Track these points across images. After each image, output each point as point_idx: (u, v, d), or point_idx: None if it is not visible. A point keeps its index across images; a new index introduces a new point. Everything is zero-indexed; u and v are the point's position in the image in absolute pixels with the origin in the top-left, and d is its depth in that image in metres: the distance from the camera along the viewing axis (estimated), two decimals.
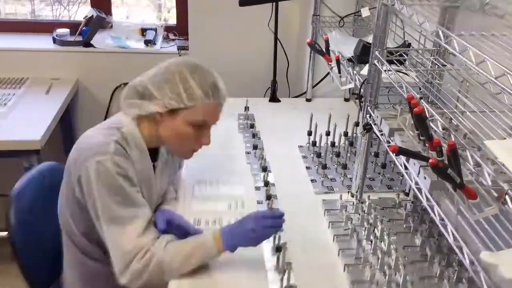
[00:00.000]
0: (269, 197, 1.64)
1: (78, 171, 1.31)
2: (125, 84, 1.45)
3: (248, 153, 1.97)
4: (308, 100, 2.55)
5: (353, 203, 1.65)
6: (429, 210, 1.12)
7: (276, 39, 2.46)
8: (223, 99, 1.42)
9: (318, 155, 1.90)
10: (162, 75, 1.38)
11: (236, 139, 2.09)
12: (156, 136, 1.41)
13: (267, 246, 1.43)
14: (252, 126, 2.14)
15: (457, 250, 1.02)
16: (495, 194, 0.91)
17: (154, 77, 1.38)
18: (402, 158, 1.24)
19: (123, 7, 3.50)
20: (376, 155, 1.90)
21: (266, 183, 1.74)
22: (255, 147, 1.97)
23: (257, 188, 1.74)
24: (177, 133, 1.39)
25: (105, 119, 2.24)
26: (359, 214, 1.59)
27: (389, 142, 1.35)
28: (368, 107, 1.50)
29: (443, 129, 1.11)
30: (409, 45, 1.69)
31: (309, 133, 2.02)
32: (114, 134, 1.36)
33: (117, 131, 1.36)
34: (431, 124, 1.11)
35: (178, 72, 1.36)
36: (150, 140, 1.42)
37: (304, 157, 1.97)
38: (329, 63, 1.88)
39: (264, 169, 1.81)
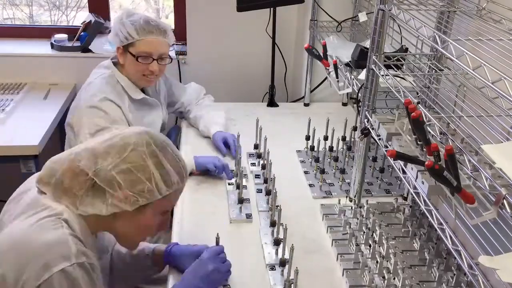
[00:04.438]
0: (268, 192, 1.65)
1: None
2: None
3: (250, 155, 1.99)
4: (306, 104, 2.55)
5: (352, 207, 1.65)
6: (428, 215, 1.12)
7: (274, 44, 2.47)
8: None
9: (316, 160, 1.90)
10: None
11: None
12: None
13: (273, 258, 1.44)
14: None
15: (455, 254, 1.02)
16: (493, 199, 0.91)
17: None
18: (400, 163, 1.24)
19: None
20: (374, 159, 1.91)
21: (266, 180, 1.76)
22: (255, 146, 1.98)
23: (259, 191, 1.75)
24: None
25: None
26: (358, 219, 1.59)
27: (387, 147, 1.35)
28: (366, 112, 1.51)
29: (440, 133, 1.12)
30: (406, 50, 1.70)
31: (307, 138, 2.03)
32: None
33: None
34: (429, 128, 1.11)
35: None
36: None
37: (302, 161, 1.97)
38: (327, 68, 1.88)
39: (263, 167, 1.83)
